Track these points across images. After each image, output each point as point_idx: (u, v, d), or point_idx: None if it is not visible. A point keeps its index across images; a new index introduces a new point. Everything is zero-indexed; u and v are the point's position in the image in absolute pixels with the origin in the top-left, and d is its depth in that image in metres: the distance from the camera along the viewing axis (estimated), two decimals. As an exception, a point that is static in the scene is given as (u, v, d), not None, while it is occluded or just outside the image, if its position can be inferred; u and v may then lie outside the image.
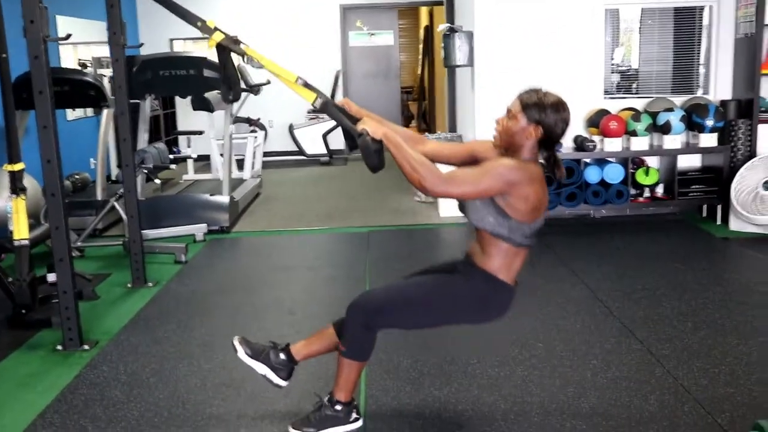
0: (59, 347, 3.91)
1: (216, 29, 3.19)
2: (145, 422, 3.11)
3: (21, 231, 3.94)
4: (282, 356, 2.96)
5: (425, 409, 3.18)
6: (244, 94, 8.38)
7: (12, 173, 3.89)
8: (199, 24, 3.07)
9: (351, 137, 2.84)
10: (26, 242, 3.98)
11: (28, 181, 5.31)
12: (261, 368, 2.96)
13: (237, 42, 3.17)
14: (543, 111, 2.58)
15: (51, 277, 4.28)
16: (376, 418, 3.08)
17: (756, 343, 3.76)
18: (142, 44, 8.52)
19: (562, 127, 2.62)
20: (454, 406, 3.19)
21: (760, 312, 4.24)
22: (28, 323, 4.22)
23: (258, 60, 3.02)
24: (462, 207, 2.74)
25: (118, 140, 7.24)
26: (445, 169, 2.58)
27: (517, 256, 2.69)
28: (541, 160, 2.70)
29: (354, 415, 2.94)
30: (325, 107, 2.90)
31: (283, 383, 2.98)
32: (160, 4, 3.43)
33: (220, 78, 6.43)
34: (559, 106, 2.61)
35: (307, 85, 3.02)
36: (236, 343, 3.01)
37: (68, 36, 3.75)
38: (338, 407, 2.90)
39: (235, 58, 3.29)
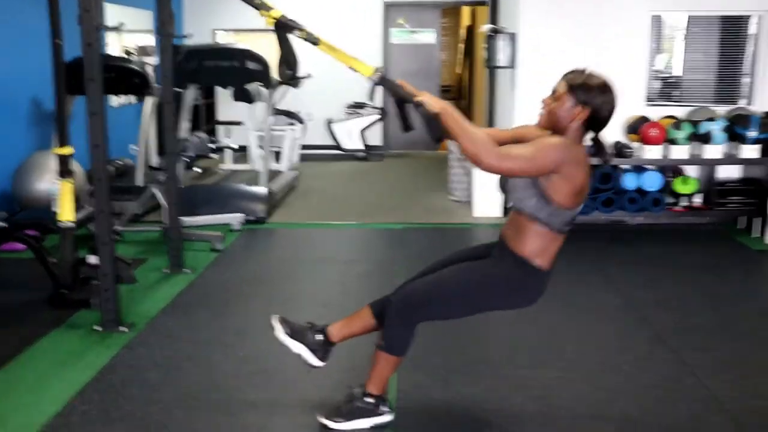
0: (98, 328, 4.00)
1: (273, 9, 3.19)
2: (179, 405, 3.18)
3: (67, 213, 4.04)
4: (319, 337, 3.01)
5: (454, 406, 3.21)
6: (284, 87, 8.46)
7: (61, 156, 3.99)
8: (257, 1, 3.07)
9: (405, 117, 2.86)
10: (71, 224, 4.08)
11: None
12: (297, 347, 3.00)
13: (293, 22, 3.17)
14: (589, 92, 2.58)
15: (92, 260, 4.37)
16: (405, 412, 3.12)
17: (789, 358, 3.75)
18: (190, 35, 8.62)
19: (609, 109, 2.61)
20: (481, 405, 3.23)
21: (795, 327, 4.21)
22: (68, 303, 4.32)
23: (316, 37, 3.01)
24: (503, 187, 2.74)
25: (159, 128, 7.40)
26: None
27: (554, 241, 2.70)
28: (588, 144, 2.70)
29: (384, 408, 2.99)
30: (383, 80, 2.89)
31: (318, 363, 3.02)
32: None
33: (279, 57, 6.54)
34: (606, 88, 2.61)
35: (361, 62, 3.03)
36: (274, 321, 3.05)
37: (121, 25, 3.83)
38: (369, 399, 2.95)
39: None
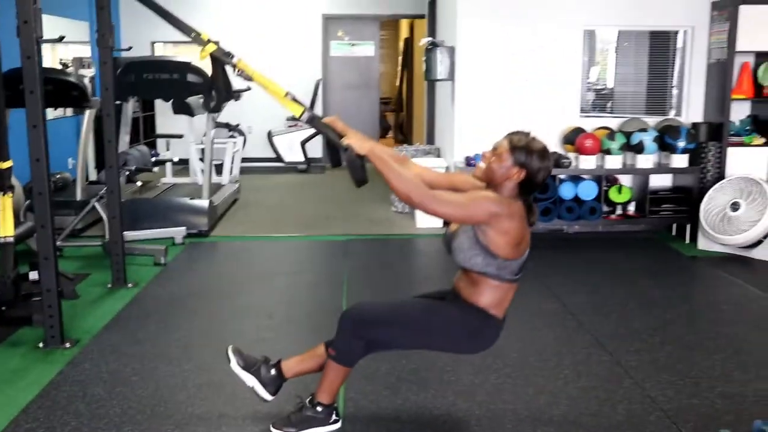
0: (41, 345, 3.95)
1: (209, 41, 3.27)
2: (127, 419, 3.16)
3: (7, 228, 3.97)
4: (272, 372, 3.03)
5: (402, 413, 3.27)
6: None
7: (0, 171, 3.93)
8: (192, 35, 3.15)
9: (334, 153, 2.93)
10: (11, 239, 4.02)
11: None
12: (250, 380, 3.03)
13: (229, 54, 3.25)
14: (529, 155, 2.68)
15: (33, 275, 4.30)
16: (354, 420, 3.17)
17: (719, 359, 3.91)
18: (130, 47, 8.55)
19: (544, 175, 2.71)
20: (430, 411, 3.29)
21: (725, 329, 4.39)
22: (8, 320, 4.23)
23: (249, 73, 3.10)
24: (448, 248, 2.82)
25: (98, 141, 7.30)
26: None
27: (509, 291, 2.81)
28: None
29: (334, 417, 3.03)
30: (312, 121, 2.98)
31: (269, 398, 3.05)
32: (156, 14, 3.49)
33: (208, 86, 6.52)
34: (545, 154, 2.71)
35: (295, 100, 3.11)
36: (230, 353, 3.07)
37: (62, 38, 3.80)
38: (319, 408, 2.98)
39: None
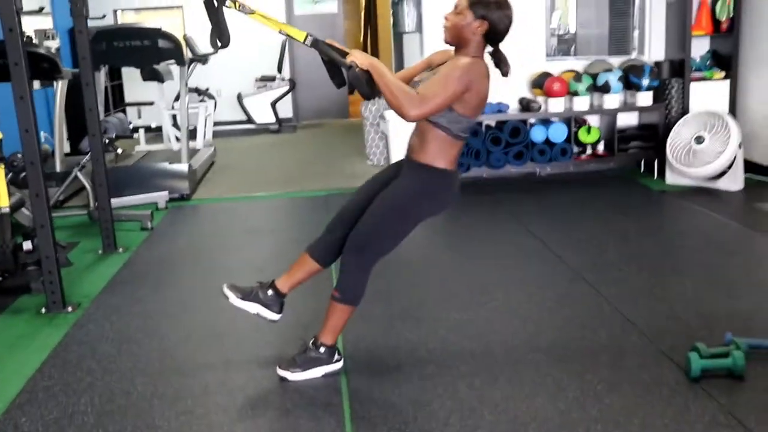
0: (43, 310, 4.07)
1: None
2: (138, 372, 3.32)
3: (2, 199, 4.07)
4: (270, 292, 3.20)
5: (399, 349, 3.46)
6: (192, 64, 8.48)
7: (-10, 143, 4.02)
8: None
9: (336, 76, 3.03)
10: (7, 210, 4.11)
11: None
12: (253, 307, 3.19)
13: None
14: (487, 7, 2.84)
15: (27, 245, 4.40)
16: (355, 359, 3.35)
17: (691, 282, 4.14)
18: (104, 15, 8.51)
19: (506, 23, 2.88)
20: (425, 346, 3.48)
21: (694, 255, 4.64)
22: (6, 290, 4.35)
23: (248, 7, 3.12)
24: None
25: (68, 112, 7.32)
26: None
27: (453, 147, 2.96)
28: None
29: (336, 357, 3.21)
30: (316, 44, 3.04)
31: (276, 317, 3.22)
32: None
33: (178, 51, 6.55)
34: (503, 3, 2.87)
35: (292, 27, 3.17)
36: (226, 289, 3.22)
37: (42, 9, 3.85)
38: (322, 349, 3.16)
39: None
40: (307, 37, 2.99)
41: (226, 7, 3.08)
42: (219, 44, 3.23)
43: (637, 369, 3.15)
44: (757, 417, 2.72)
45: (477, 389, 3.03)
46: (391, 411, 2.89)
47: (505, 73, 2.97)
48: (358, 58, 2.88)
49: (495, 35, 2.89)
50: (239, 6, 3.06)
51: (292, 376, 3.16)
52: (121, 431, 2.82)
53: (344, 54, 2.95)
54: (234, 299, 3.21)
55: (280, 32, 3.06)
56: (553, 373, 3.14)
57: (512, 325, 3.69)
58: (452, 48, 2.98)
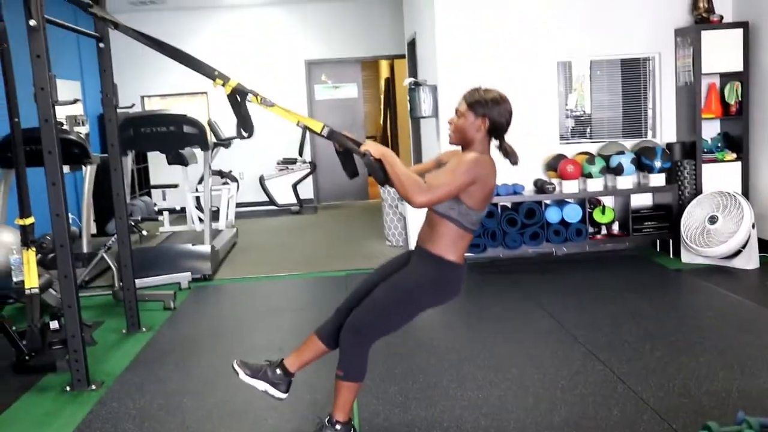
0: (68, 388, 4.18)
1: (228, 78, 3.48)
2: (159, 450, 3.40)
3: (32, 280, 4.23)
4: (278, 371, 3.30)
5: (413, 427, 3.51)
6: (216, 148, 8.77)
7: (23, 227, 4.19)
8: (216, 73, 3.35)
9: (349, 166, 3.20)
10: (37, 290, 4.28)
11: (13, 234, 5.59)
12: (261, 385, 3.29)
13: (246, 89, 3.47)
14: (486, 105, 3.03)
15: (54, 324, 4.55)
16: (370, 436, 3.42)
17: (705, 360, 4.18)
18: (133, 104, 8.88)
19: (506, 117, 3.07)
20: (440, 425, 3.53)
21: (709, 333, 4.68)
22: (33, 368, 4.48)
23: (269, 101, 3.31)
24: None
25: (96, 195, 7.56)
26: None
27: (463, 239, 3.09)
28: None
29: (351, 433, 3.28)
30: (332, 135, 3.22)
31: (283, 396, 3.31)
32: (177, 60, 3.59)
33: (202, 137, 6.81)
34: (500, 99, 3.07)
35: (310, 119, 3.36)
36: (236, 366, 3.33)
37: (76, 101, 4.09)
38: (338, 427, 3.22)
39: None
40: (323, 127, 3.18)
41: (249, 101, 3.29)
42: (244, 134, 3.44)
43: (649, 447, 3.19)
44: (768, 495, 2.75)
45: (490, 467, 3.08)
46: (406, 488, 2.94)
47: (514, 163, 3.15)
48: (372, 147, 3.06)
49: (497, 130, 3.08)
50: (261, 100, 3.26)
51: (309, 453, 3.23)
52: (142, 507, 2.89)
53: (358, 144, 3.13)
54: (243, 376, 3.31)
55: (297, 124, 3.25)
56: (566, 451, 3.18)
57: (526, 402, 3.74)
58: (460, 148, 3.16)
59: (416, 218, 6.80)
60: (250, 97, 3.29)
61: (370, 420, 3.60)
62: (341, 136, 3.18)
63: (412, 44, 9.03)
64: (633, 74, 7.24)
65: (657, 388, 3.81)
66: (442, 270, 3.11)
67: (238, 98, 3.31)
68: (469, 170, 2.94)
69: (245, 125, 3.37)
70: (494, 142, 3.12)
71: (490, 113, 3.03)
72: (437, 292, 3.16)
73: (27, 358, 4.48)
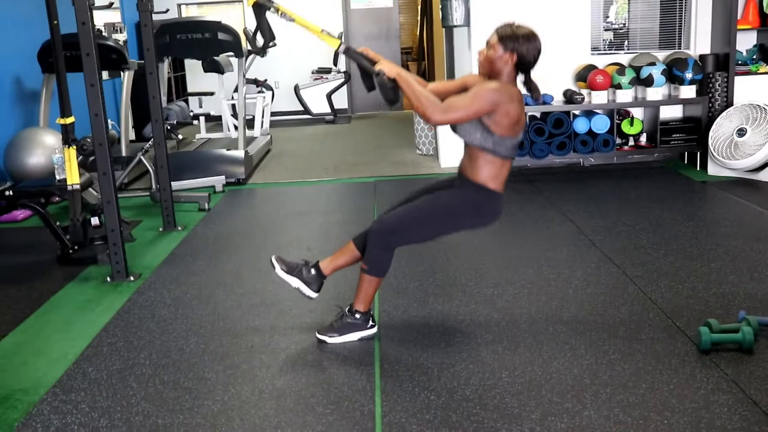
0: (108, 279, 4.46)
1: None
2: (192, 333, 3.66)
3: (73, 177, 4.47)
4: (313, 271, 3.50)
5: (430, 320, 3.73)
6: (251, 56, 8.88)
7: (64, 126, 4.40)
8: None
9: (369, 79, 3.33)
10: (78, 186, 4.51)
11: (54, 136, 5.84)
12: (295, 282, 3.50)
13: (271, 1, 3.60)
14: (516, 41, 3.12)
15: (94, 221, 4.82)
16: (389, 327, 3.63)
17: (717, 266, 4.31)
18: (167, 10, 8.98)
19: (534, 54, 3.16)
20: (455, 317, 3.74)
21: (724, 241, 4.78)
22: (76, 260, 4.77)
23: (290, 15, 3.45)
24: (453, 128, 3.25)
25: (133, 102, 7.76)
26: None
27: (503, 167, 3.23)
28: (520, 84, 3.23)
29: (371, 323, 3.50)
30: (348, 51, 3.35)
31: (313, 295, 3.52)
32: None
33: (237, 44, 6.91)
34: (530, 36, 3.15)
35: (330, 35, 3.50)
36: (274, 260, 3.54)
37: (111, 4, 4.22)
38: (357, 316, 3.45)
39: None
40: (340, 44, 3.31)
41: (271, 12, 3.41)
42: (258, 45, 3.57)
43: (651, 341, 3.35)
44: (758, 386, 2.91)
45: (498, 354, 3.29)
46: (418, 371, 3.16)
47: (536, 99, 3.28)
48: (386, 66, 3.18)
49: (524, 65, 3.17)
50: (281, 14, 3.38)
51: (330, 339, 3.47)
52: (175, 381, 3.15)
53: (373, 63, 3.24)
54: (279, 270, 3.52)
55: (322, 32, 3.38)
56: (572, 343, 3.37)
57: (538, 300, 3.92)
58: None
59: (446, 128, 6.89)
60: (272, 8, 3.40)
61: (389, 312, 3.81)
62: (356, 54, 3.31)
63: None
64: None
65: (666, 290, 3.96)
66: (484, 197, 3.25)
67: (261, 9, 3.43)
68: (486, 97, 3.05)
69: (264, 36, 3.50)
70: (520, 77, 3.21)
71: (519, 49, 3.11)
72: (475, 216, 3.31)
73: (70, 251, 4.77)
